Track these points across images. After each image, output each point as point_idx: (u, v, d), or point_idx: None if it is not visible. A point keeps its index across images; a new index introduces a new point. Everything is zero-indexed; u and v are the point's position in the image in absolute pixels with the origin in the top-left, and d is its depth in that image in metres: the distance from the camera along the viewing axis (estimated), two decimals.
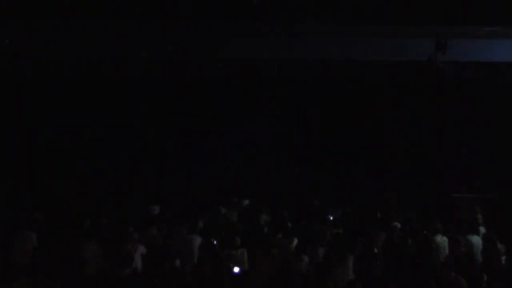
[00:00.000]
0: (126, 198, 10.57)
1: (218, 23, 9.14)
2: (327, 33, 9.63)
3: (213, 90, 14.57)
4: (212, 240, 7.39)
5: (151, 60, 11.27)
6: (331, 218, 8.89)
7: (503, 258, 7.20)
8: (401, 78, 12.23)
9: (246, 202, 9.76)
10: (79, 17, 8.92)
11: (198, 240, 7.55)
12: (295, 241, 7.48)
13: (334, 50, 9.90)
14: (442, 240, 7.65)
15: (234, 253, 7.02)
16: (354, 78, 13.07)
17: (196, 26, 9.38)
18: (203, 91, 14.67)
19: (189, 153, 14.59)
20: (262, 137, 14.75)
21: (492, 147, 11.59)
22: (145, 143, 14.21)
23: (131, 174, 13.48)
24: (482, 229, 8.22)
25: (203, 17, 8.97)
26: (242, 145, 14.61)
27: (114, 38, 9.53)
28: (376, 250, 7.30)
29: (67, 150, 13.06)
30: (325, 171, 13.93)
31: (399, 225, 8.09)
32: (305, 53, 10.01)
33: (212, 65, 11.49)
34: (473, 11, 8.71)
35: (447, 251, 7.54)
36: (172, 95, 14.34)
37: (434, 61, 8.77)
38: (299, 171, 14.24)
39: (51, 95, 12.33)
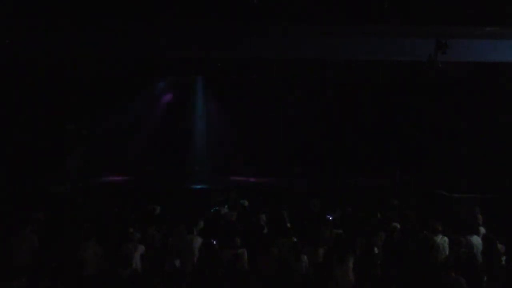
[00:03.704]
0: (126, 198, 10.58)
1: (219, 23, 9.14)
2: (327, 33, 9.63)
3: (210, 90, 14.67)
4: (212, 240, 7.39)
5: (151, 60, 11.30)
6: (331, 218, 8.89)
7: (503, 258, 7.19)
8: (401, 78, 12.25)
9: (246, 202, 9.75)
10: (79, 17, 8.93)
11: (198, 240, 7.55)
12: (295, 241, 7.47)
13: (334, 50, 9.90)
14: (442, 240, 7.64)
15: (234, 253, 7.01)
16: (354, 78, 13.09)
17: (196, 26, 9.38)
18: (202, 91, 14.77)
19: (188, 153, 14.67)
20: (262, 137, 14.81)
21: (492, 147, 11.59)
22: (146, 143, 14.28)
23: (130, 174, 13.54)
24: (482, 230, 8.21)
25: (203, 17, 8.97)
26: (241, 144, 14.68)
27: (114, 38, 9.53)
28: (376, 250, 7.30)
29: (67, 150, 13.11)
30: (325, 171, 13.98)
31: (398, 226, 8.09)
32: (305, 53, 10.00)
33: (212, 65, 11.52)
34: (473, 11, 8.71)
35: (447, 252, 7.53)
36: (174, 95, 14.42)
37: (434, 61, 8.76)
38: (299, 171, 14.28)
39: (51, 95, 12.35)
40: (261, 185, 13.16)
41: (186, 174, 14.14)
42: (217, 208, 9.44)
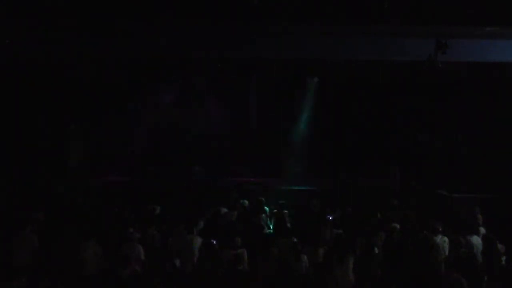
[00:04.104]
0: (126, 198, 10.57)
1: (219, 23, 9.14)
2: (327, 33, 9.63)
3: (211, 90, 14.65)
4: (212, 240, 7.38)
5: (151, 60, 11.29)
6: (331, 218, 8.89)
7: (503, 258, 7.19)
8: (401, 78, 12.24)
9: (246, 202, 9.74)
10: (79, 17, 8.94)
11: (198, 240, 7.55)
12: (295, 241, 7.47)
13: (334, 50, 9.90)
14: (442, 240, 7.64)
15: (234, 253, 7.01)
16: (354, 78, 13.09)
17: (196, 26, 9.38)
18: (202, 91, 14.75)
19: (188, 153, 14.65)
20: (262, 137, 14.80)
21: (492, 147, 11.59)
22: (147, 143, 14.26)
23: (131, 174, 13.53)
24: (482, 230, 8.21)
25: (203, 17, 8.97)
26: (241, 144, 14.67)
27: (114, 38, 9.54)
28: (376, 250, 7.30)
29: (67, 150, 13.10)
30: (325, 171, 13.97)
31: (398, 226, 8.09)
32: (305, 53, 10.00)
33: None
34: (473, 11, 8.71)
35: (446, 252, 7.52)
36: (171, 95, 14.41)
37: (434, 61, 8.76)
38: (298, 171, 14.27)
39: (51, 95, 12.34)
40: (261, 185, 13.13)
41: (187, 174, 14.12)
42: (217, 208, 9.43)
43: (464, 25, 9.14)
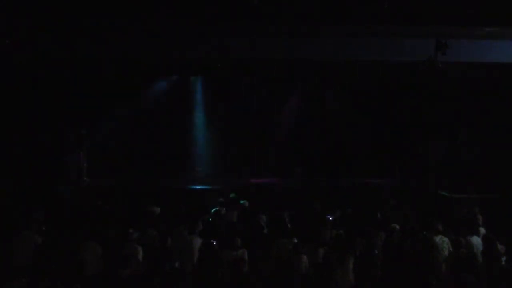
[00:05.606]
0: (125, 199, 10.58)
1: (219, 23, 9.14)
2: (327, 33, 9.63)
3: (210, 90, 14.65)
4: (212, 241, 7.38)
5: (151, 60, 11.29)
6: (331, 218, 8.90)
7: (503, 259, 7.19)
8: (401, 78, 12.24)
9: (246, 202, 9.75)
10: (80, 17, 8.94)
11: (198, 241, 7.54)
12: (295, 241, 7.47)
13: (334, 50, 9.90)
14: (442, 240, 7.63)
15: (234, 254, 7.01)
16: (354, 78, 13.08)
17: (196, 26, 9.38)
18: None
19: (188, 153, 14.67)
20: (262, 137, 14.81)
21: (492, 147, 11.59)
22: (145, 142, 14.27)
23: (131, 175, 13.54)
24: (482, 230, 8.21)
25: (203, 17, 8.97)
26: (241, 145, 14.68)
27: (114, 38, 9.54)
28: (376, 251, 7.30)
29: (67, 150, 13.11)
30: (325, 171, 13.98)
31: (397, 227, 8.09)
32: (305, 53, 10.01)
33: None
34: (473, 11, 8.71)
35: (446, 252, 7.52)
36: (171, 96, 14.42)
37: (434, 61, 8.75)
38: (299, 171, 14.27)
39: (51, 95, 12.34)
40: (261, 186, 13.13)
41: (186, 174, 14.13)
42: (217, 208, 9.43)
43: (464, 25, 9.13)
